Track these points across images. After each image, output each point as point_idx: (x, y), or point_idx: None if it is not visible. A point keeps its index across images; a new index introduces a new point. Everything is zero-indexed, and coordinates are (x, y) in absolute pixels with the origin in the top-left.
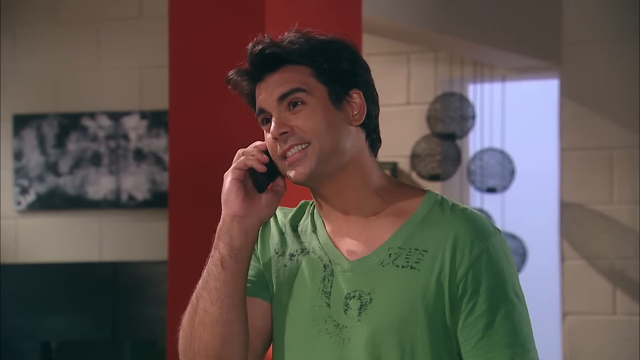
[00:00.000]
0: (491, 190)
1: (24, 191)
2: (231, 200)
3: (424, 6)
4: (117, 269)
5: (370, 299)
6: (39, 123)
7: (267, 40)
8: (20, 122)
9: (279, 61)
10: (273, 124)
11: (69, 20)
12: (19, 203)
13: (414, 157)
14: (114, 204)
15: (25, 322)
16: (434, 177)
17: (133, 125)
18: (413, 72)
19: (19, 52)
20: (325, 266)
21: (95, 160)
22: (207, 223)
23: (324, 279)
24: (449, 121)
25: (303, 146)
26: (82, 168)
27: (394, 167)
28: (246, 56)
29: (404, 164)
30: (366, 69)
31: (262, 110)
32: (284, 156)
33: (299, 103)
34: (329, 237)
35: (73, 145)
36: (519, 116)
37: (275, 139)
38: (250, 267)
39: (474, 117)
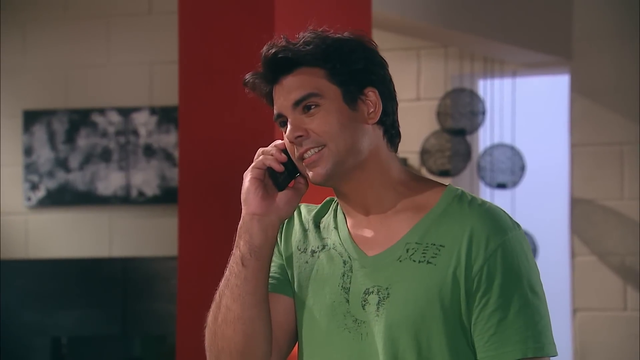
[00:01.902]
0: (501, 186)
1: (34, 187)
2: (250, 199)
3: (434, 2)
4: (127, 264)
5: (388, 294)
6: (48, 119)
7: (282, 43)
8: (30, 118)
9: (292, 64)
10: (288, 127)
11: (78, 15)
12: (29, 199)
13: (424, 152)
14: (124, 199)
15: (36, 317)
16: (444, 173)
17: (143, 121)
18: (423, 68)
19: (28, 48)
20: (344, 262)
21: (105, 156)
22: (217, 219)
23: (344, 275)
24: (459, 117)
25: (318, 149)
26: (92, 164)
27: (403, 163)
28: (261, 59)
29: (414, 160)
30: (382, 66)
31: (279, 115)
32: (301, 158)
33: (313, 107)
34: (349, 233)
35: (83, 141)
36: (529, 112)
37: (291, 142)
38: (274, 264)
39: (484, 113)
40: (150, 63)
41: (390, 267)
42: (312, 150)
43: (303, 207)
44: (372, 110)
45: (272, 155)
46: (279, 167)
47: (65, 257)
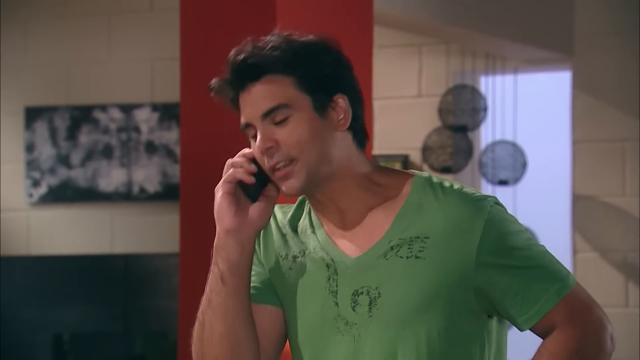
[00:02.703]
0: (503, 182)
1: (35, 183)
2: (223, 215)
3: None
4: (129, 261)
5: (379, 294)
6: (50, 115)
7: (249, 49)
8: (32, 115)
9: (260, 71)
10: (258, 138)
11: (80, 12)
12: (30, 195)
13: (426, 149)
14: (126, 196)
15: (38, 314)
16: (446, 170)
17: (144, 117)
18: (425, 64)
19: (30, 45)
20: (328, 265)
21: (107, 152)
22: None
23: (329, 279)
24: (461, 113)
25: (290, 162)
26: (94, 160)
27: (405, 160)
28: (227, 65)
29: (415, 156)
30: (349, 69)
31: (247, 125)
32: (273, 170)
33: (283, 118)
34: (328, 235)
35: (84, 137)
36: (531, 108)
37: (262, 154)
38: (255, 274)
39: (485, 110)
40: (151, 60)
41: (377, 266)
42: (282, 164)
43: (277, 210)
44: (341, 117)
45: (241, 167)
46: (249, 180)
47: (66, 254)
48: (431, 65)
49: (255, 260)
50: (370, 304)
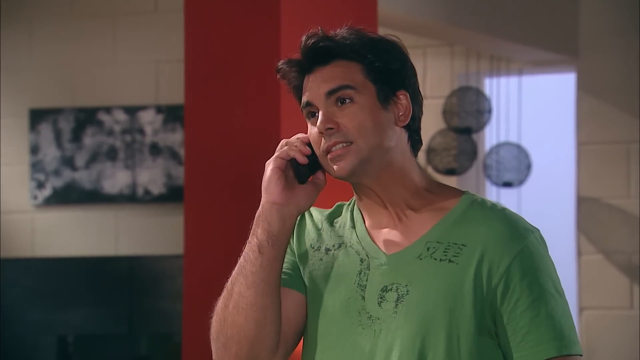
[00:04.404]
0: (507, 184)
1: (40, 185)
2: (271, 188)
3: (440, 0)
4: (133, 263)
5: (407, 291)
6: (55, 117)
7: (321, 34)
8: (37, 117)
9: (330, 55)
10: (320, 118)
11: (85, 14)
12: (35, 197)
13: (430, 151)
14: (130, 198)
15: (42, 316)
16: (450, 172)
17: (149, 119)
18: (429, 66)
19: (35, 46)
20: (362, 260)
21: (111, 154)
22: (222, 217)
23: (360, 273)
24: (465, 115)
25: (346, 144)
26: (98, 162)
27: None
28: (300, 47)
29: (420, 158)
30: (414, 73)
31: (308, 104)
32: (327, 151)
33: (347, 100)
34: (367, 231)
35: (89, 139)
36: (536, 110)
37: (320, 133)
38: (286, 260)
39: (490, 111)
40: (156, 61)
41: (410, 265)
42: (339, 145)
43: (314, 210)
44: (402, 113)
45: (296, 147)
46: (302, 160)
47: (71, 256)
48: (435, 67)
49: (287, 248)
50: (397, 300)
